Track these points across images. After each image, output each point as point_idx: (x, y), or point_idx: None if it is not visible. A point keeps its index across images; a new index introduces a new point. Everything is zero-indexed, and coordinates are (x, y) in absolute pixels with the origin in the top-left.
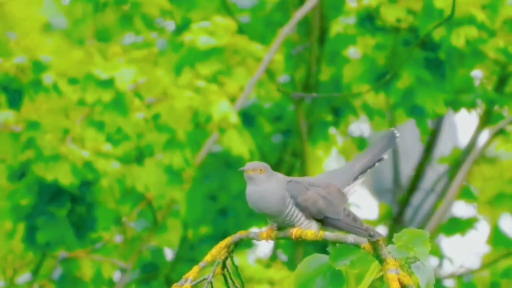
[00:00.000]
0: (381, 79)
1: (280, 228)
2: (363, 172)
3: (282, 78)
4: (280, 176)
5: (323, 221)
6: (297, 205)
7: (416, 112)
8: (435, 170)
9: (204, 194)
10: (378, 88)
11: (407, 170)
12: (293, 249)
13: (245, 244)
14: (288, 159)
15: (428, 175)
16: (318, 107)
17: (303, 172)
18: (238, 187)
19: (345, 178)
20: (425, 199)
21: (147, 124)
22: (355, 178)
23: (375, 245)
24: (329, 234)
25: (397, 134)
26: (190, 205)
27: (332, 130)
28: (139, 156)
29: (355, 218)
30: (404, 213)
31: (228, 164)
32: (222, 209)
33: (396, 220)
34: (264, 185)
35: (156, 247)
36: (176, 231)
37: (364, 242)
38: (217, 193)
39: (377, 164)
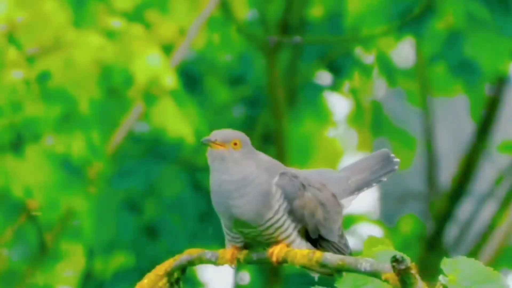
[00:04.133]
0: (407, 15)
1: (249, 245)
2: (359, 188)
3: (248, 14)
4: (263, 157)
5: (314, 243)
6: (291, 212)
7: (466, 70)
8: (495, 164)
9: (121, 202)
10: (403, 30)
11: (449, 163)
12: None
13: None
14: (257, 143)
15: (483, 171)
16: (304, 61)
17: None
18: (175, 189)
19: (340, 187)
20: (478, 209)
21: (28, 89)
22: (351, 193)
23: (404, 275)
24: (332, 257)
25: (393, 156)
26: (98, 219)
27: (328, 97)
28: (15, 141)
29: (346, 244)
30: (444, 231)
31: (158, 152)
32: (150, 226)
33: (431, 241)
34: (242, 170)
35: (44, 286)
36: (75, 261)
37: (386, 270)
38: (142, 199)
39: (374, 184)
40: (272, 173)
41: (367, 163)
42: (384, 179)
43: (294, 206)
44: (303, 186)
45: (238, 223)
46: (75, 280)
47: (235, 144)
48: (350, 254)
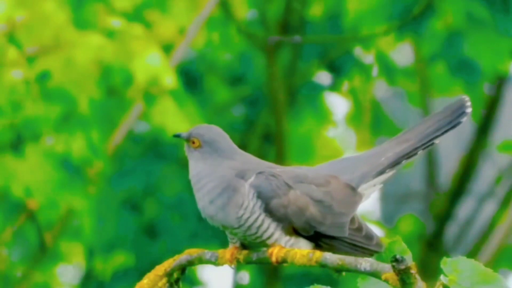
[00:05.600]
0: (406, 15)
1: (246, 246)
2: (396, 163)
3: (248, 14)
4: (246, 157)
5: (314, 240)
6: (270, 212)
7: (465, 70)
8: (495, 164)
9: (121, 201)
10: (402, 30)
11: (449, 162)
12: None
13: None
14: (257, 143)
15: (483, 170)
16: (304, 61)
17: (280, 163)
18: (175, 189)
19: (362, 171)
20: (478, 209)
21: (28, 89)
22: (380, 172)
23: (404, 275)
24: (331, 257)
25: (468, 105)
26: (98, 219)
27: (327, 96)
28: (15, 141)
29: (369, 235)
30: (443, 231)
31: (158, 152)
32: (150, 226)
33: (431, 240)
34: (197, 166)
35: (44, 286)
36: (75, 261)
37: (386, 270)
38: (142, 199)
39: (420, 152)
40: (249, 173)
41: (424, 124)
42: (437, 141)
43: (273, 205)
44: (287, 185)
45: (217, 224)
46: (75, 279)
47: (193, 142)
48: (378, 243)
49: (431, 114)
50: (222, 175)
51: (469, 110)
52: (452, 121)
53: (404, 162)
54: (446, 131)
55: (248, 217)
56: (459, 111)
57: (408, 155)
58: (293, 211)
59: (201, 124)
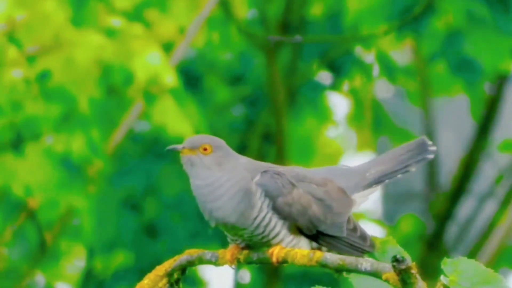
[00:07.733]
0: (407, 14)
1: (250, 246)
2: (379, 181)
3: (248, 14)
4: (243, 160)
5: (315, 239)
6: (276, 210)
7: (466, 69)
8: (495, 163)
9: (121, 201)
10: (403, 29)
11: (449, 162)
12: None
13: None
14: (257, 143)
15: (483, 170)
16: (304, 60)
17: (280, 163)
18: (175, 188)
19: (352, 181)
20: (478, 209)
21: (28, 88)
22: (367, 186)
23: (404, 275)
24: (332, 257)
25: (431, 144)
26: (98, 218)
27: (328, 96)
28: (15, 140)
29: (363, 236)
30: (444, 231)
31: (159, 151)
32: (150, 225)
33: (431, 240)
34: (213, 174)
35: (44, 286)
36: (76, 260)
37: (387, 270)
38: (142, 198)
39: (400, 176)
40: (254, 173)
41: (395, 152)
42: (413, 169)
43: (278, 203)
44: (291, 183)
45: (228, 228)
46: (75, 279)
47: (205, 149)
48: (371, 244)
49: (401, 147)
50: (240, 181)
51: (431, 145)
52: (419, 154)
53: (386, 181)
54: (416, 162)
55: (257, 216)
56: (422, 148)
57: (390, 175)
58: (297, 210)
59: (196, 135)
